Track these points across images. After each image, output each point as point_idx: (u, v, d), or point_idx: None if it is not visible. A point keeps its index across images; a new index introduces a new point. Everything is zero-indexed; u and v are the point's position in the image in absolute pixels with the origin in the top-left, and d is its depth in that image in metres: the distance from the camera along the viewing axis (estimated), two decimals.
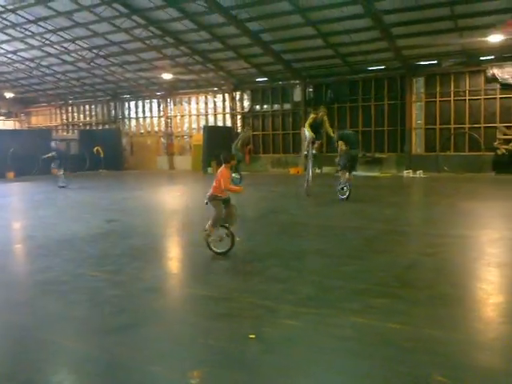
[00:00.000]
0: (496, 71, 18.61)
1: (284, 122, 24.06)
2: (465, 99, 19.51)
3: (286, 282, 4.70)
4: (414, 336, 3.35)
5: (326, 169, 20.79)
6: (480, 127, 19.26)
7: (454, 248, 6.13)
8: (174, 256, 6.50)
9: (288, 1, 16.61)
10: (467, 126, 19.50)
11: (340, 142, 11.93)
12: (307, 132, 12.71)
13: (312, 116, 13.02)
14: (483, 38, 16.52)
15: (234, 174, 14.20)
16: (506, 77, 18.46)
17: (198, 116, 27.37)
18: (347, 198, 11.22)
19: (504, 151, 18.51)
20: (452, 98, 19.75)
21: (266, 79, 24.08)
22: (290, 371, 2.92)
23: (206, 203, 5.99)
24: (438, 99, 20.08)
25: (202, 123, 26.57)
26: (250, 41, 19.69)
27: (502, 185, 15.25)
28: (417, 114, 20.79)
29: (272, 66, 22.41)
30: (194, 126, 27.49)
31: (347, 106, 22.17)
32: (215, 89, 26.14)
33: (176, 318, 3.98)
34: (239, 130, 25.35)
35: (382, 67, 21.21)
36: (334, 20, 17.53)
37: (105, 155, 25.61)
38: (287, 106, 23.88)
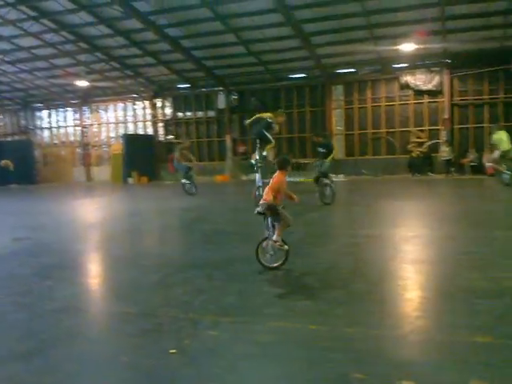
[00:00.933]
0: (409, 78, 19.83)
1: (209, 129, 23.99)
2: (381, 105, 20.53)
3: (209, 292, 4.60)
4: (334, 335, 3.39)
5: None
6: (395, 131, 20.33)
7: (371, 247, 6.35)
8: (90, 273, 6.14)
9: (208, 7, 16.61)
10: (384, 130, 20.53)
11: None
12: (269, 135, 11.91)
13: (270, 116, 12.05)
14: (396, 47, 17.53)
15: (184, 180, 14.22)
16: (418, 83, 19.75)
17: (116, 124, 26.51)
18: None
19: (418, 153, 19.69)
20: (369, 105, 20.74)
21: (188, 86, 23.85)
22: (210, 382, 2.83)
23: (261, 213, 5.28)
24: (356, 106, 20.98)
25: (122, 132, 25.74)
26: (169, 47, 19.46)
27: (416, 185, 16.16)
28: (337, 121, 21.55)
29: (194, 72, 22.29)
30: (113, 134, 26.51)
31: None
32: (135, 96, 25.44)
33: (92, 338, 3.73)
34: (162, 137, 24.95)
35: (304, 75, 21.78)
36: (255, 28, 17.77)
37: (15, 168, 23.86)
38: (211, 114, 23.85)
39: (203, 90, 23.79)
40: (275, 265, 5.17)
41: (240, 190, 17.58)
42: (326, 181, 10.89)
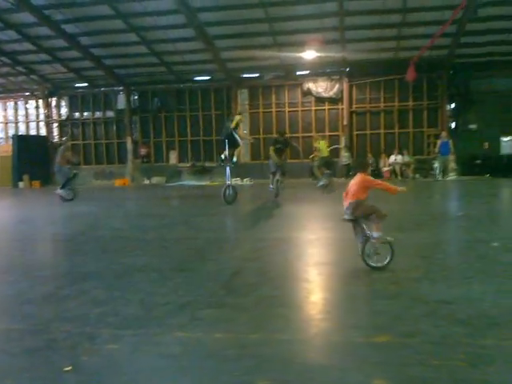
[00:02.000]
0: (311, 85, 20.63)
1: (107, 130, 23.00)
2: (284, 110, 21.12)
3: (108, 303, 4.30)
4: (240, 343, 3.32)
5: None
6: (298, 136, 20.99)
7: (276, 250, 6.39)
8: None
9: (108, 5, 15.99)
10: (288, 135, 21.05)
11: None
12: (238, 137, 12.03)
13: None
14: (299, 54, 18.15)
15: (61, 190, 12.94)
16: (320, 91, 20.63)
17: (5, 124, 24.57)
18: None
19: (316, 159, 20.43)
20: (274, 110, 21.23)
21: (86, 85, 22.69)
22: None
23: (349, 220, 5.16)
24: (261, 110, 21.37)
25: (11, 132, 23.91)
26: (66, 44, 18.40)
27: (317, 188, 16.70)
28: (242, 124, 21.70)
29: (93, 71, 21.31)
30: (1, 135, 24.60)
31: (175, 114, 22.19)
32: (27, 94, 23.69)
33: None
34: (56, 139, 23.46)
35: (208, 78, 21.72)
36: (158, 28, 17.43)
37: None
38: (110, 114, 22.88)
39: (102, 89, 22.78)
40: (386, 262, 5.03)
41: (142, 195, 17.06)
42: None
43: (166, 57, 20.03)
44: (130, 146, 22.32)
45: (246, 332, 3.51)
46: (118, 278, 5.23)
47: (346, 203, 5.24)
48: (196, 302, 4.24)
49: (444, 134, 18.42)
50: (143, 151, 22.39)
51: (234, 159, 12.15)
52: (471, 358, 2.98)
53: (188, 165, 21.92)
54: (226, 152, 11.89)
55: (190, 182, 21.22)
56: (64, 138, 23.32)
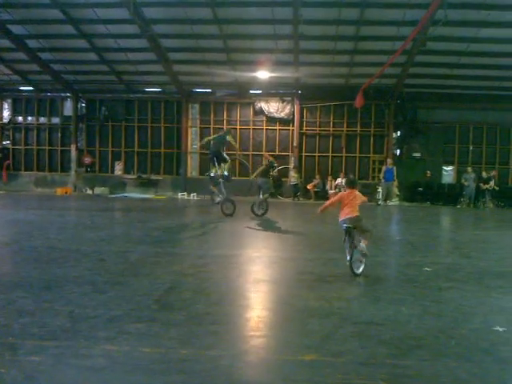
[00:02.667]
0: (263, 105, 20.82)
1: (51, 136, 22.22)
2: (236, 128, 21.17)
3: (34, 314, 4.17)
4: (167, 358, 3.31)
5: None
6: (249, 154, 21.09)
7: (215, 267, 6.36)
8: None
9: (58, 9, 15.65)
10: (238, 152, 21.11)
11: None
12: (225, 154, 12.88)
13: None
14: (252, 74, 18.31)
15: None
16: (271, 111, 20.84)
17: None
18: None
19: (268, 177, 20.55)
20: (225, 126, 21.19)
21: (31, 89, 21.92)
22: None
23: (348, 228, 5.97)
24: (212, 126, 21.33)
25: None
26: (12, 45, 17.78)
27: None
28: (192, 139, 21.63)
29: (39, 75, 20.64)
30: None
31: (122, 125, 21.79)
32: None
33: None
34: None
35: (159, 90, 21.54)
36: (109, 36, 17.17)
37: None
38: (56, 120, 22.13)
39: (48, 94, 22.05)
40: (360, 271, 5.93)
41: (83, 205, 16.54)
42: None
43: (116, 66, 19.71)
44: (74, 154, 21.63)
45: (174, 347, 3.50)
46: (48, 288, 5.05)
47: (347, 215, 6.00)
48: (126, 316, 4.17)
49: (389, 160, 19.06)
50: (87, 160, 21.75)
51: (226, 173, 12.74)
52: (392, 377, 3.12)
53: (133, 176, 21.50)
54: (217, 168, 12.55)
55: (134, 194, 20.80)
56: (5, 142, 22.37)
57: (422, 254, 7.92)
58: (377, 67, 16.97)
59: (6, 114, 22.57)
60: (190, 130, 21.57)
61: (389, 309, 4.60)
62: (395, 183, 19.02)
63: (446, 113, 20.48)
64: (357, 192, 6.25)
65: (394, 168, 18.76)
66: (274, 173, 20.64)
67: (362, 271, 5.92)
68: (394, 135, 20.78)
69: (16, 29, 17.13)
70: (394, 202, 19.01)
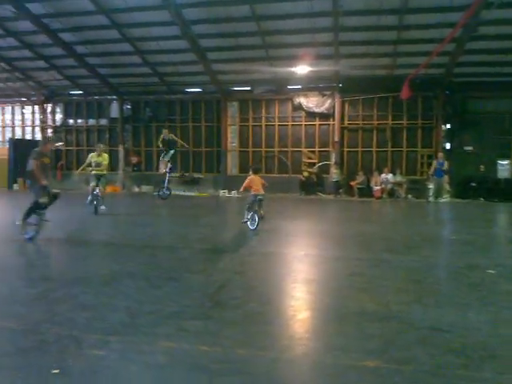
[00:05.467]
0: (302, 100, 20.48)
1: (100, 137, 22.94)
2: (274, 125, 21.08)
3: (95, 309, 4.35)
4: (226, 357, 3.31)
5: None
6: (288, 151, 20.97)
7: (264, 265, 6.37)
8: None
9: (104, 15, 16.12)
10: (276, 149, 21.11)
11: None
12: None
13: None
14: (291, 69, 18.07)
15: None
16: (311, 105, 20.39)
17: (3, 128, 24.74)
18: None
19: (308, 174, 20.37)
20: (263, 123, 21.19)
21: (80, 92, 22.75)
22: None
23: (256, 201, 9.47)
24: (250, 124, 21.33)
25: (8, 136, 24.09)
26: (63, 52, 18.52)
27: (307, 205, 16.74)
28: (232, 137, 21.75)
29: (87, 79, 21.39)
30: None
31: (166, 125, 22.13)
32: (24, 99, 23.77)
33: None
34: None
35: (199, 90, 21.78)
36: (151, 39, 17.52)
37: None
38: (103, 122, 22.93)
39: (96, 97, 22.83)
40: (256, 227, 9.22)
41: (132, 202, 17.01)
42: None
43: (158, 67, 20.07)
44: (121, 154, 22.29)
45: (231, 346, 3.48)
46: (106, 284, 5.25)
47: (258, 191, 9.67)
48: (182, 313, 4.25)
49: (440, 154, 17.97)
50: (134, 160, 22.37)
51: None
52: None
53: (177, 175, 21.88)
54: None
55: (178, 191, 21.16)
56: (59, 144, 23.32)
57: (483, 254, 7.35)
58: (423, 57, 16.31)
59: (59, 117, 23.59)
60: (229, 129, 21.66)
61: (454, 314, 4.29)
62: (446, 179, 17.83)
63: (499, 102, 19.16)
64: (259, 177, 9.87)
65: (445, 162, 17.63)
66: (314, 169, 20.58)
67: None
68: (444, 128, 19.62)
69: (65, 36, 17.78)
70: (445, 198, 17.88)
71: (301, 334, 3.90)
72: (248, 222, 9.38)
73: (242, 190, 10.07)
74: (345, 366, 3.20)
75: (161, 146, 16.43)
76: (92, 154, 12.30)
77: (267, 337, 3.72)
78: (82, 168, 12.37)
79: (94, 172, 11.96)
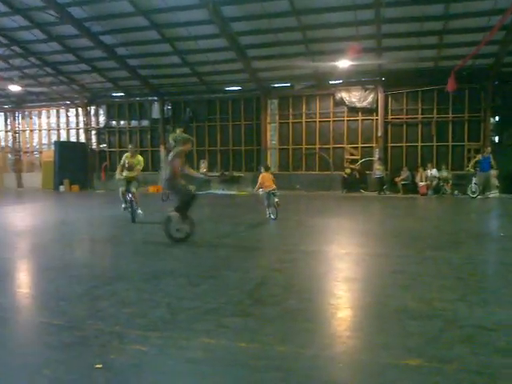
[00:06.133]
0: (344, 95, 20.15)
1: (142, 138, 23.50)
2: (315, 121, 20.86)
3: (137, 305, 4.41)
4: (265, 354, 3.28)
5: None
6: (329, 148, 20.71)
7: (303, 263, 6.29)
8: (16, 282, 5.69)
9: (143, 16, 16.39)
10: (317, 146, 20.89)
11: None
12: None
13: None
14: (332, 63, 17.76)
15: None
16: (353, 100, 20.03)
17: (49, 131, 25.68)
18: None
19: (351, 170, 20.01)
20: (304, 120, 21.02)
21: (122, 94, 23.34)
22: None
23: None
24: (290, 121, 21.22)
25: (54, 138, 25.06)
26: (104, 54, 19.00)
27: (349, 202, 16.46)
28: (271, 135, 21.71)
29: (128, 80, 21.89)
30: (45, 141, 25.71)
31: (205, 124, 22.43)
32: (68, 102, 24.69)
33: (13, 350, 3.48)
34: (95, 146, 24.23)
35: (239, 88, 21.85)
36: (190, 38, 17.68)
37: None
38: (145, 123, 23.43)
39: (137, 98, 23.33)
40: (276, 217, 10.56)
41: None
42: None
43: (197, 67, 20.27)
44: (163, 154, 22.70)
45: (271, 343, 3.46)
46: (147, 280, 5.33)
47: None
48: (221, 309, 4.25)
49: (488, 149, 17.26)
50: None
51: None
52: None
53: (217, 174, 22.07)
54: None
55: (218, 190, 21.37)
56: (102, 145, 24.04)
57: None
58: (470, 47, 15.74)
59: (102, 119, 24.28)
60: (269, 126, 21.63)
61: (500, 313, 4.10)
62: (494, 173, 17.25)
63: None
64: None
65: (491, 156, 16.94)
66: (357, 166, 20.22)
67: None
68: (492, 120, 18.87)
69: (106, 39, 18.22)
70: (494, 194, 17.22)
71: (341, 332, 3.82)
72: (271, 215, 10.72)
73: (256, 189, 11.13)
74: (385, 365, 3.13)
75: (173, 143, 13.82)
76: (126, 154, 11.35)
77: (307, 334, 3.68)
78: (119, 170, 11.11)
79: (124, 174, 10.96)
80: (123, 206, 11.05)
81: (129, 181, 10.96)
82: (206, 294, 4.73)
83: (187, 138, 8.65)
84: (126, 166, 11.10)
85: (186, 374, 3.05)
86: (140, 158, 11.48)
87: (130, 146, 12.04)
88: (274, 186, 10.71)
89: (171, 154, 8.14)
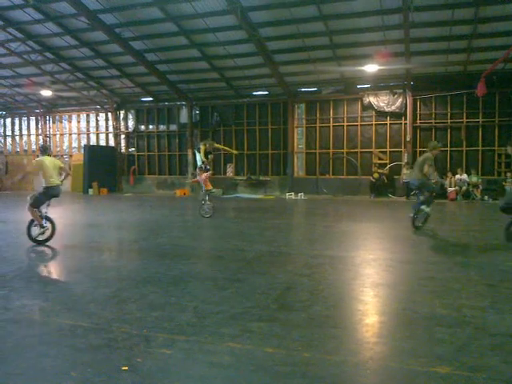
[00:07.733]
0: (372, 99, 19.98)
1: (170, 143, 23.85)
2: (343, 125, 20.73)
3: (164, 308, 4.45)
4: (291, 360, 3.27)
5: None
6: (357, 152, 20.54)
7: (330, 268, 6.25)
8: (44, 283, 5.81)
9: (173, 22, 16.61)
10: (345, 150, 20.75)
11: None
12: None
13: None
14: (360, 68, 17.68)
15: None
16: (381, 105, 19.85)
17: (78, 135, 26.22)
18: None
19: (379, 175, 19.75)
20: (331, 124, 20.93)
21: (151, 99, 23.71)
22: None
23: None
24: (317, 125, 21.16)
25: (84, 142, 25.58)
26: (134, 60, 19.34)
27: (377, 207, 16.25)
28: (298, 139, 21.68)
29: (157, 86, 22.20)
30: (75, 145, 26.32)
31: (233, 128, 22.54)
32: (98, 107, 25.24)
33: (41, 351, 3.53)
34: (124, 150, 24.62)
35: (266, 92, 21.91)
36: (219, 44, 17.81)
37: None
38: (173, 127, 23.75)
39: (166, 103, 23.66)
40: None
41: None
42: None
43: (225, 72, 20.44)
44: (191, 158, 22.92)
45: (297, 349, 3.44)
46: (174, 284, 5.38)
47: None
48: (247, 314, 4.25)
49: None
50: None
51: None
52: None
53: (244, 177, 22.15)
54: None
55: (245, 194, 21.43)
56: (131, 149, 24.44)
57: None
58: (500, 51, 15.46)
59: (131, 123, 24.70)
60: (295, 131, 21.62)
61: None
62: None
63: None
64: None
65: None
66: (385, 170, 19.96)
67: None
68: None
69: (136, 44, 18.54)
70: None
71: (368, 338, 3.78)
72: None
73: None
74: (413, 372, 3.09)
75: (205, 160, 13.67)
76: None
77: (333, 340, 3.66)
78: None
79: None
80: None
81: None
82: (231, 298, 4.75)
83: (435, 145, 9.78)
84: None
85: (211, 378, 3.05)
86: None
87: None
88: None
89: (420, 159, 9.60)
